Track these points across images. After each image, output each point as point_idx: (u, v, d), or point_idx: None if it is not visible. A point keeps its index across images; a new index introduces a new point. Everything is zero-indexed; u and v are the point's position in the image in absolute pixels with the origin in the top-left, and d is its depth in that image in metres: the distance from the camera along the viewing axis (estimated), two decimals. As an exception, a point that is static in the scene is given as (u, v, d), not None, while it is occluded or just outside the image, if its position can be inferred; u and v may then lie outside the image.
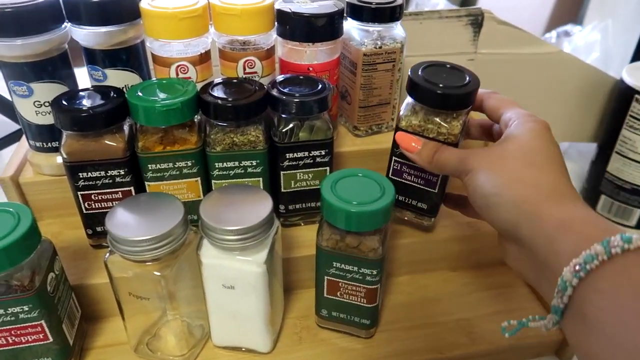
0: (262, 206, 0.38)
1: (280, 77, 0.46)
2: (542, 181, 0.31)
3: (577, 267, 0.25)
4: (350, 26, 0.51)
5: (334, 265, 0.41)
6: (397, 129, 0.42)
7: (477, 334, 0.46)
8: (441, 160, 0.38)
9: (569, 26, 1.06)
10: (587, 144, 0.77)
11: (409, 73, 0.41)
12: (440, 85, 0.39)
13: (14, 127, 0.72)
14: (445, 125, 0.40)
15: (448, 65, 0.42)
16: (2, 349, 0.38)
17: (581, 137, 0.75)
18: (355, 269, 0.40)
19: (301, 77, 0.46)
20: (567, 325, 0.27)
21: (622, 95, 0.66)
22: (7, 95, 0.47)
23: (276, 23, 0.48)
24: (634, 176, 0.65)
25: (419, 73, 0.41)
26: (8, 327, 0.37)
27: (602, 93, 0.72)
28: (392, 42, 0.51)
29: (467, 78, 0.40)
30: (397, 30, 0.51)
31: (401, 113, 0.42)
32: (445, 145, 0.39)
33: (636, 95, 0.63)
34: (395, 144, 0.43)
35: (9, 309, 0.36)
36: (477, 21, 0.65)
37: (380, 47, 0.50)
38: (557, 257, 0.27)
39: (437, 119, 0.41)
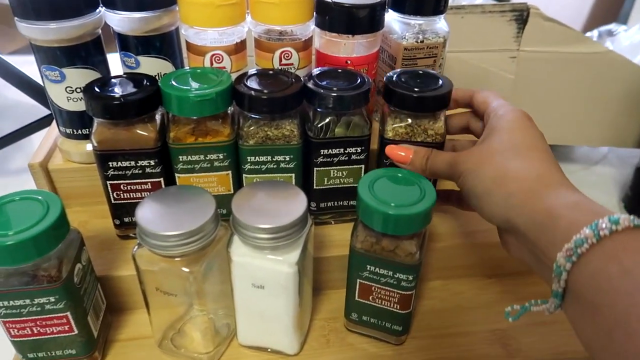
0: (296, 204, 0.37)
1: (317, 70, 0.44)
2: (528, 172, 0.32)
3: (569, 252, 0.26)
4: (391, 18, 0.49)
5: (368, 268, 0.39)
6: (383, 139, 0.43)
7: (513, 346, 0.44)
8: (434, 167, 0.39)
9: (613, 25, 1.01)
10: (628, 149, 0.74)
11: (386, 83, 0.42)
12: (417, 89, 0.41)
13: (45, 111, 0.71)
14: (431, 127, 0.42)
15: (421, 72, 0.44)
16: (26, 339, 0.37)
17: (625, 142, 0.71)
18: (390, 273, 0.38)
19: (339, 70, 0.44)
20: (567, 308, 0.28)
21: (673, 99, 0.63)
22: (39, 80, 0.46)
23: (315, 13, 0.46)
24: (682, 185, 0.62)
25: (395, 80, 0.42)
26: (34, 317, 0.36)
27: (651, 96, 0.68)
28: (434, 37, 0.48)
29: (440, 81, 0.42)
30: (440, 24, 0.49)
31: (385, 122, 0.43)
32: (435, 151, 0.39)
33: (689, 100, 0.60)
34: (384, 155, 0.42)
35: (35, 300, 0.35)
36: (522, 17, 0.62)
37: (421, 42, 0.48)
38: (550, 243, 0.28)
39: (423, 123, 0.42)
